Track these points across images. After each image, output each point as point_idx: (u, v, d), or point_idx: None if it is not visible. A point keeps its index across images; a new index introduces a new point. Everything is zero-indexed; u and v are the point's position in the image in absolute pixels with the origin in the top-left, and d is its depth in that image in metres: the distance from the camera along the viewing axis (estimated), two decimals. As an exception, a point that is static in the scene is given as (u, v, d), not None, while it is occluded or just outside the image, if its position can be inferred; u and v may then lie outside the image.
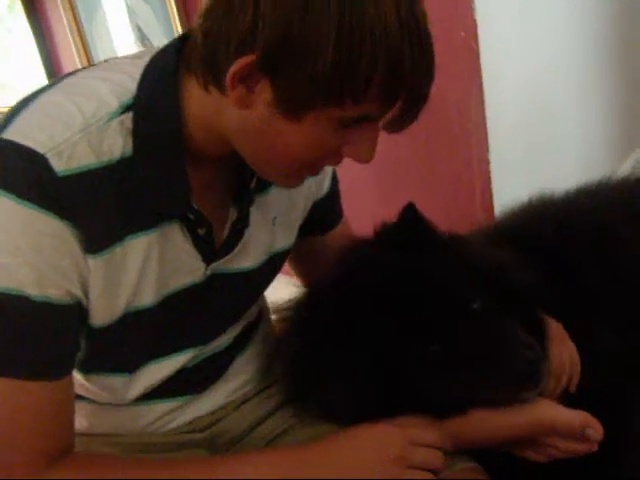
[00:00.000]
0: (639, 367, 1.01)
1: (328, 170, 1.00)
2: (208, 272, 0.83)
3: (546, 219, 1.12)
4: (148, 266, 0.77)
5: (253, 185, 0.85)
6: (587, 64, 2.35)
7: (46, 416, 0.71)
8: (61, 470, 0.71)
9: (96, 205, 0.71)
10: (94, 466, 0.75)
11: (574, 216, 1.12)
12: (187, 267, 0.81)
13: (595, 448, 0.80)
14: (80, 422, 0.84)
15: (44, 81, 2.41)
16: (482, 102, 1.61)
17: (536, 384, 0.79)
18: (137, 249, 0.75)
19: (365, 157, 0.75)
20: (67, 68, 2.35)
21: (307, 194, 0.96)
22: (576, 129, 2.18)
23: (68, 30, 2.25)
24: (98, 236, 0.72)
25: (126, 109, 0.73)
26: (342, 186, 1.04)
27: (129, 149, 0.73)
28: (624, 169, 1.94)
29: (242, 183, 0.84)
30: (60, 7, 2.37)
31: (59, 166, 0.68)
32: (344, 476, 0.75)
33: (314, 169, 0.80)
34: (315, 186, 0.97)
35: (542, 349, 0.83)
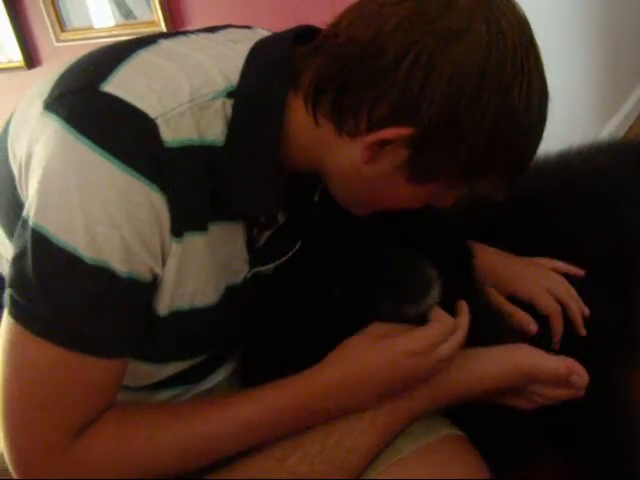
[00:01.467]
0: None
1: None
2: (248, 275, 0.80)
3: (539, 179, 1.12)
4: (213, 260, 0.72)
5: (317, 198, 0.83)
6: (572, 26, 2.33)
7: (95, 392, 0.67)
8: (100, 428, 0.68)
9: (191, 185, 0.66)
10: (130, 423, 0.70)
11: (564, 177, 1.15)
12: (234, 267, 0.77)
13: (580, 394, 0.80)
14: None
15: (12, 39, 2.32)
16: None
17: (411, 298, 0.77)
18: (211, 240, 0.71)
19: (447, 204, 0.77)
20: (36, 25, 2.27)
21: None
22: (560, 91, 2.16)
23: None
24: (186, 218, 0.67)
25: (228, 94, 0.68)
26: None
27: (222, 138, 0.68)
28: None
29: (297, 189, 0.80)
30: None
31: (167, 135, 0.63)
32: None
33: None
34: None
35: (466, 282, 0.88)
